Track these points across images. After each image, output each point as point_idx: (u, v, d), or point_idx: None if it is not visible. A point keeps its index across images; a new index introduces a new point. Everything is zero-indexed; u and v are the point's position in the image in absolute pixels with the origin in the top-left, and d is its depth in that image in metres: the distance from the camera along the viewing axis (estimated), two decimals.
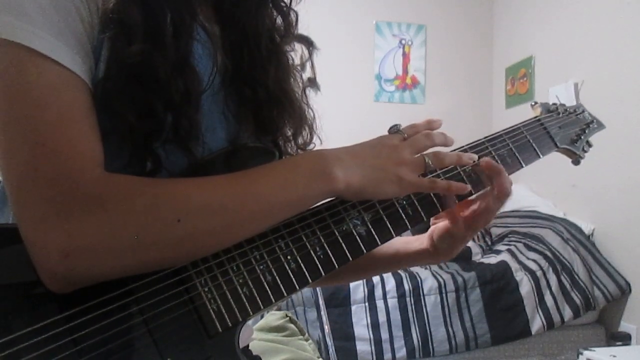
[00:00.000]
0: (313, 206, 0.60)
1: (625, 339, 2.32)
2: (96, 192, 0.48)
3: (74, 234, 0.46)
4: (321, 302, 2.10)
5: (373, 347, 2.18)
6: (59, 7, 0.49)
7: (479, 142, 0.74)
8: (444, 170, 0.68)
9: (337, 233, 0.61)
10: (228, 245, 0.55)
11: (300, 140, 0.73)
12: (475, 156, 0.69)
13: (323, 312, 2.09)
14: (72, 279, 0.47)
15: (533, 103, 0.86)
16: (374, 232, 0.63)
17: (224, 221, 0.52)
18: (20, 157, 0.47)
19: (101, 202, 0.47)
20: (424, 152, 0.64)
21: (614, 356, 1.82)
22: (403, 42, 3.64)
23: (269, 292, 0.56)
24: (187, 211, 0.50)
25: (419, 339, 2.21)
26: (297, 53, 0.75)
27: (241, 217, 0.53)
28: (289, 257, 0.58)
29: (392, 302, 2.24)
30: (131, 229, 0.48)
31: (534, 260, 2.41)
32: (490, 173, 0.69)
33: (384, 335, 2.20)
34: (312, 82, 0.77)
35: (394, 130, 0.65)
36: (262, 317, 0.99)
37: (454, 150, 0.71)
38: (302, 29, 0.75)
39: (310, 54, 0.76)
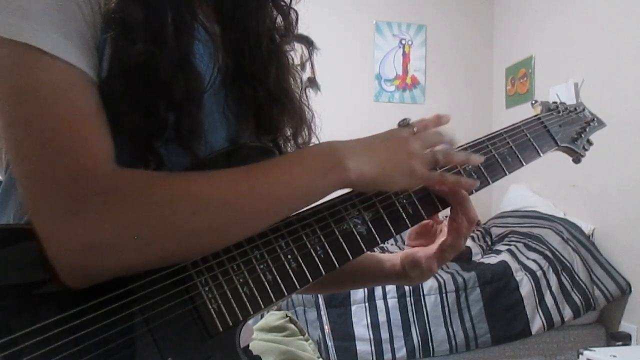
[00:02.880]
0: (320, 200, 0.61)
1: (625, 339, 2.32)
2: (112, 187, 0.48)
3: (91, 229, 0.46)
4: (321, 302, 2.10)
5: (373, 347, 2.17)
6: (63, 7, 0.49)
7: (480, 140, 0.74)
8: (445, 168, 0.68)
9: (337, 232, 0.61)
10: (245, 237, 0.56)
11: (300, 140, 0.73)
12: (482, 158, 0.70)
13: (323, 312, 2.08)
14: (91, 274, 0.47)
15: (533, 101, 0.86)
16: (374, 231, 0.63)
17: (239, 213, 0.53)
18: (34, 156, 0.47)
19: (117, 197, 0.48)
20: (434, 149, 0.64)
21: (614, 356, 1.81)
22: (403, 42, 3.64)
23: (270, 291, 0.56)
24: (202, 204, 0.51)
25: (419, 339, 2.21)
26: (297, 53, 0.75)
27: (256, 210, 0.54)
28: (289, 257, 0.58)
29: (392, 302, 2.24)
30: (148, 223, 0.48)
31: (534, 260, 2.41)
32: (457, 197, 0.67)
33: (384, 335, 2.20)
34: (312, 82, 0.77)
35: (404, 123, 0.66)
36: (262, 317, 0.99)
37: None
38: (302, 28, 0.75)
39: (310, 54, 0.76)
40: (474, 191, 0.70)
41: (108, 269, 0.48)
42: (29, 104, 0.47)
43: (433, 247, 0.71)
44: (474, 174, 0.71)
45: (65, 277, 0.47)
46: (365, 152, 0.59)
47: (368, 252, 0.64)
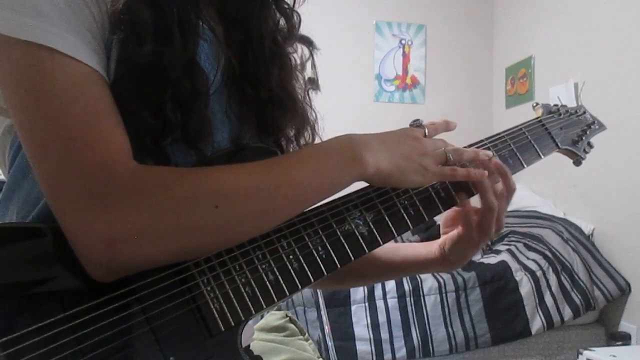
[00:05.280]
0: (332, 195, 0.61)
1: (625, 339, 2.32)
2: (134, 182, 0.49)
3: (115, 223, 0.47)
4: (321, 302, 2.10)
5: (373, 347, 2.18)
6: (74, 7, 0.50)
7: (481, 142, 0.74)
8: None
9: (339, 233, 0.61)
10: (265, 231, 0.57)
11: (302, 142, 0.73)
12: (490, 153, 0.71)
13: (323, 312, 2.09)
14: (116, 267, 0.48)
15: (535, 104, 0.87)
16: (375, 232, 0.63)
17: (260, 206, 0.54)
18: (54, 153, 0.48)
19: (139, 192, 0.48)
20: (444, 147, 0.67)
21: (614, 356, 1.82)
22: (403, 42, 3.64)
23: (272, 291, 0.56)
24: (224, 197, 0.51)
25: (419, 339, 2.21)
26: (297, 53, 0.75)
27: (276, 202, 0.55)
28: (291, 257, 0.58)
29: (392, 302, 2.24)
30: (170, 216, 0.49)
31: (534, 260, 2.41)
32: (500, 173, 0.70)
33: (384, 335, 2.20)
34: (313, 82, 0.77)
35: (417, 124, 0.68)
36: (262, 317, 0.99)
37: None
38: (303, 29, 0.75)
39: (312, 54, 0.76)
40: (475, 193, 0.70)
41: (131, 263, 0.49)
42: (48, 103, 0.48)
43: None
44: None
45: (91, 271, 0.48)
46: (381, 148, 0.61)
47: (401, 243, 0.65)
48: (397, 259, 0.81)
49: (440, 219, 0.78)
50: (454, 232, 0.75)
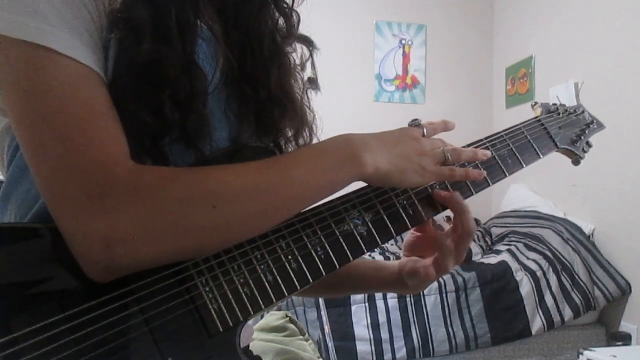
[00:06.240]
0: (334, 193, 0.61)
1: (625, 339, 2.32)
2: (132, 183, 0.49)
3: (113, 224, 0.47)
4: (321, 302, 2.10)
5: (373, 347, 2.18)
6: (72, 6, 0.49)
7: (480, 142, 0.74)
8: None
9: (337, 233, 0.61)
10: (264, 231, 0.57)
11: (300, 141, 0.73)
12: (489, 153, 0.71)
13: (323, 312, 2.09)
14: (114, 267, 0.48)
15: (533, 103, 0.87)
16: (374, 232, 0.63)
17: (258, 206, 0.53)
18: (52, 153, 0.47)
19: (138, 192, 0.48)
20: (443, 147, 0.67)
21: (614, 356, 1.82)
22: (403, 42, 3.64)
23: (270, 291, 0.56)
24: (223, 197, 0.51)
25: (419, 339, 2.21)
26: (297, 53, 0.75)
27: (275, 202, 0.55)
28: (289, 257, 0.58)
29: (392, 302, 2.24)
30: (169, 217, 0.49)
31: (534, 260, 2.42)
32: (457, 209, 0.68)
33: (384, 335, 2.20)
34: (313, 82, 0.77)
35: (415, 124, 0.67)
36: (262, 317, 0.99)
37: None
38: (303, 29, 0.75)
39: (311, 54, 0.76)
40: (474, 193, 0.70)
41: (129, 263, 0.48)
42: (45, 103, 0.47)
43: (430, 259, 0.71)
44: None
45: (88, 271, 0.48)
46: (380, 147, 0.60)
47: (368, 259, 0.64)
48: (356, 276, 0.78)
49: (440, 218, 0.77)
50: (416, 262, 0.72)
